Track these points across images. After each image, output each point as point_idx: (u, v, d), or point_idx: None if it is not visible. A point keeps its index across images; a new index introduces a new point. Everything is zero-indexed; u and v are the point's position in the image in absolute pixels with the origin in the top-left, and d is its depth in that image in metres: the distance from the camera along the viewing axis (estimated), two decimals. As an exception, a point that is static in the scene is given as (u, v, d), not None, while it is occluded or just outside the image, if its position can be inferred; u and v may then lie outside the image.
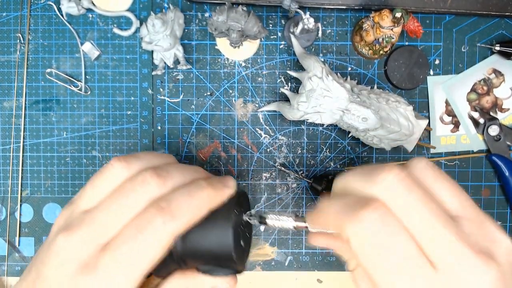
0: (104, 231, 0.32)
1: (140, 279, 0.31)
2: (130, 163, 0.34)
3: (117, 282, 0.31)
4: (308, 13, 0.44)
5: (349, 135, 0.47)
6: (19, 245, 0.50)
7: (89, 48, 0.48)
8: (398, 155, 0.49)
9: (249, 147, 0.49)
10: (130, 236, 0.31)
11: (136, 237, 0.31)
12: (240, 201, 0.36)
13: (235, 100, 0.49)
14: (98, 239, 0.32)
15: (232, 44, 0.46)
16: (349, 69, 0.49)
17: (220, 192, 0.34)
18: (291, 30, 0.47)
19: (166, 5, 0.48)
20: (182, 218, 0.31)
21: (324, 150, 0.49)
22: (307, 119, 0.45)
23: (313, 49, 0.49)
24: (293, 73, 0.46)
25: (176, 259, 0.34)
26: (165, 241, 0.31)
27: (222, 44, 0.48)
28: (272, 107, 0.48)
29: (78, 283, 0.31)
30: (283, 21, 0.48)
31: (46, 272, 0.32)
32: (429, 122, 0.49)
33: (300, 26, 0.45)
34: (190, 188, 0.33)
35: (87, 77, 0.49)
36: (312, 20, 0.44)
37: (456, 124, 0.49)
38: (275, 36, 0.49)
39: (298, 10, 0.44)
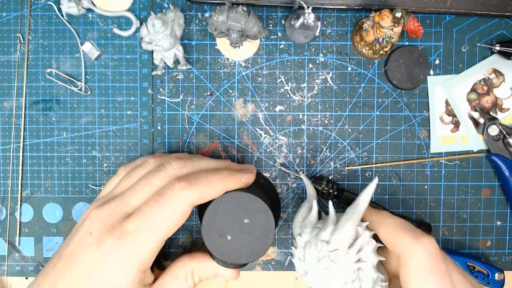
0: (131, 202, 0.36)
1: (160, 243, 0.35)
2: (162, 159, 0.39)
3: (139, 242, 0.34)
4: (310, 7, 0.43)
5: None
6: (19, 245, 0.50)
7: (89, 48, 0.48)
8: (398, 155, 0.49)
9: (249, 147, 0.49)
10: (152, 200, 0.35)
11: (157, 201, 0.35)
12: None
13: (235, 100, 0.49)
14: (125, 208, 0.36)
15: (232, 44, 0.46)
16: (349, 69, 0.49)
17: (236, 176, 0.38)
18: (292, 23, 0.47)
19: (166, 5, 0.48)
20: (198, 187, 0.35)
21: (324, 150, 0.49)
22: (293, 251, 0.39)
23: (313, 49, 0.49)
24: (331, 210, 0.38)
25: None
26: (183, 206, 0.35)
27: (222, 44, 0.48)
28: (309, 189, 0.43)
29: (104, 244, 0.34)
30: (283, 21, 0.48)
31: (71, 246, 0.35)
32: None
33: (300, 20, 0.45)
34: (208, 170, 0.38)
35: (87, 77, 0.49)
36: (312, 16, 0.44)
37: (456, 124, 0.49)
38: (275, 36, 0.49)
39: (303, 3, 0.44)
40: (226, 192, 0.38)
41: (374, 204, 0.47)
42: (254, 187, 0.42)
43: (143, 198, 0.36)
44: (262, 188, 0.47)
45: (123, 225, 0.34)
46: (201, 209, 0.44)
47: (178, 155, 0.42)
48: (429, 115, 0.49)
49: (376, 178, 0.39)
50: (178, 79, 0.49)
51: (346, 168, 0.49)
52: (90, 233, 0.35)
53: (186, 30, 0.48)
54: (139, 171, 0.39)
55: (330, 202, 0.38)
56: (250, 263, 0.50)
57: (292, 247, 0.40)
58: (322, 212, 0.42)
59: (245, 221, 0.37)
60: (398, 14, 0.41)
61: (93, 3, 0.47)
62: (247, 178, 0.39)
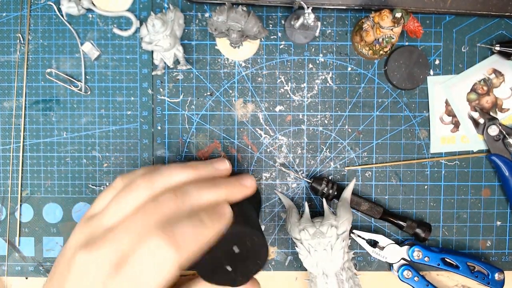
0: (121, 248, 0.33)
1: None
2: (153, 181, 0.36)
3: None
4: (310, 8, 0.43)
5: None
6: (19, 245, 0.50)
7: (89, 48, 0.48)
8: (398, 155, 0.49)
9: (249, 147, 0.49)
10: (135, 258, 0.32)
11: (140, 261, 0.32)
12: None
13: (235, 100, 0.49)
14: (115, 257, 0.33)
15: (232, 44, 0.46)
16: (349, 69, 0.49)
17: (220, 224, 0.35)
18: (292, 23, 0.47)
19: (166, 5, 0.48)
20: (185, 250, 0.32)
21: (324, 150, 0.49)
22: (299, 249, 0.45)
23: (313, 49, 0.49)
24: (326, 206, 0.46)
25: None
26: (169, 272, 0.32)
27: (222, 44, 0.48)
28: (285, 201, 0.49)
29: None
30: (283, 21, 0.48)
31: (67, 286, 0.33)
32: (429, 122, 0.49)
33: (300, 20, 0.45)
34: (195, 219, 0.34)
35: (87, 77, 0.49)
36: (312, 16, 0.44)
37: (456, 124, 0.49)
38: (275, 36, 0.49)
39: (303, 3, 0.43)
40: None
41: (358, 196, 0.48)
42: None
43: (132, 242, 0.34)
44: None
45: (113, 280, 0.32)
46: None
47: (173, 172, 0.38)
48: (429, 115, 0.49)
49: (354, 178, 0.49)
50: (178, 79, 0.49)
51: (346, 168, 0.49)
52: (82, 281, 0.33)
53: (186, 30, 0.48)
54: (129, 197, 0.36)
55: (324, 200, 0.46)
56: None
57: (296, 247, 0.45)
58: (303, 211, 0.47)
59: (235, 250, 0.36)
60: (398, 14, 0.41)
61: (93, 3, 0.47)
62: (229, 220, 0.36)
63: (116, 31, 0.48)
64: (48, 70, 0.49)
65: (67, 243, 0.37)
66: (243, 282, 0.37)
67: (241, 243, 0.36)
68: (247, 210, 0.40)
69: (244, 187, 0.39)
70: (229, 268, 0.36)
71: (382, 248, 0.48)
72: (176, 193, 0.36)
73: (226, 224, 0.36)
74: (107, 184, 0.49)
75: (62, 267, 0.35)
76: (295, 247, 0.46)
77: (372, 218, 0.50)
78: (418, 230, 0.48)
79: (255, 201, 0.48)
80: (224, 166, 0.40)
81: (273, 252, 0.50)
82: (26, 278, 0.50)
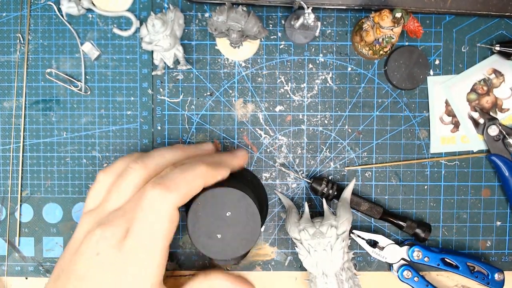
0: (130, 218, 0.36)
1: (163, 253, 0.35)
2: (146, 163, 0.39)
3: (144, 260, 0.35)
4: (310, 8, 0.43)
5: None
6: (19, 245, 0.50)
7: (89, 48, 0.48)
8: (398, 155, 0.49)
9: (249, 147, 0.49)
10: (140, 217, 0.35)
11: (142, 216, 0.35)
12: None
13: (235, 100, 0.49)
14: (126, 225, 0.36)
15: (232, 44, 0.46)
16: (349, 69, 0.49)
17: (214, 172, 0.38)
18: (292, 23, 0.47)
19: (166, 5, 0.48)
20: (178, 190, 0.35)
21: (324, 150, 0.49)
22: (298, 249, 0.45)
23: (313, 49, 0.49)
24: (325, 207, 0.46)
25: None
26: (169, 213, 0.35)
27: (222, 44, 0.48)
28: (285, 201, 0.49)
29: (114, 266, 0.35)
30: (283, 21, 0.48)
31: (80, 267, 0.36)
32: (429, 122, 0.49)
33: (300, 20, 0.45)
34: (184, 166, 0.38)
35: (87, 77, 0.49)
36: (312, 16, 0.44)
37: (456, 124, 0.49)
38: (275, 36, 0.49)
39: (303, 3, 0.43)
40: (202, 191, 0.38)
41: (358, 196, 0.48)
42: (230, 177, 0.42)
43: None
44: (240, 177, 0.47)
45: (125, 244, 0.35)
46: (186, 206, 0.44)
47: (163, 153, 0.41)
48: (429, 115, 0.49)
49: (354, 178, 0.49)
50: (178, 79, 0.49)
51: (346, 168, 0.49)
52: (97, 253, 0.35)
53: (186, 30, 0.48)
54: (127, 180, 0.38)
55: (324, 200, 0.46)
56: (250, 264, 0.50)
57: (296, 247, 0.45)
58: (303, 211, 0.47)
59: (227, 214, 0.37)
60: (398, 14, 0.41)
61: (93, 3, 0.47)
62: (223, 174, 0.39)
63: (116, 31, 0.48)
64: (48, 70, 0.49)
65: (73, 237, 0.38)
66: (229, 260, 0.38)
67: (234, 208, 0.37)
68: (246, 187, 0.42)
69: (235, 156, 0.43)
70: (219, 236, 0.37)
71: (382, 248, 0.48)
72: (175, 165, 0.39)
73: (220, 175, 0.38)
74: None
75: (71, 253, 0.37)
76: (295, 247, 0.46)
77: (372, 218, 0.50)
78: (418, 230, 0.48)
79: (260, 191, 0.48)
80: (208, 146, 0.44)
81: (273, 252, 0.50)
82: (26, 278, 0.50)
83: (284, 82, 0.49)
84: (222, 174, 0.39)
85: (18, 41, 0.48)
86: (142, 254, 0.35)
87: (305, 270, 0.49)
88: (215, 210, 0.37)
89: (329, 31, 0.49)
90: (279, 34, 0.49)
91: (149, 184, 0.36)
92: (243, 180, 0.47)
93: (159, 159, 0.40)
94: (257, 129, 0.49)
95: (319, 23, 0.46)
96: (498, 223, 0.50)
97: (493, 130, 0.48)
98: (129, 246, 0.35)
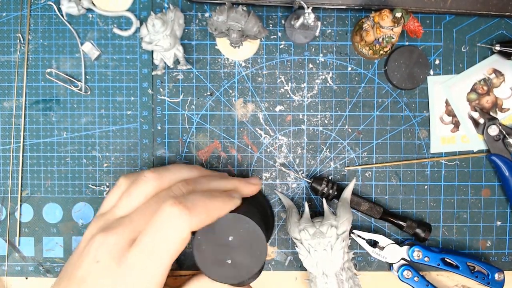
0: (136, 227, 0.36)
1: (165, 270, 0.35)
2: (162, 175, 0.39)
3: (145, 274, 0.34)
4: (310, 8, 0.43)
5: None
6: (19, 245, 0.50)
7: (89, 48, 0.48)
8: (398, 155, 0.49)
9: (249, 147, 0.49)
10: (153, 230, 0.35)
11: (156, 229, 0.34)
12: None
13: (235, 100, 0.49)
14: (130, 235, 0.35)
15: (232, 44, 0.46)
16: (349, 69, 0.49)
17: (231, 203, 0.38)
18: (292, 23, 0.47)
19: (166, 5, 0.48)
20: (197, 215, 0.35)
21: (324, 150, 0.49)
22: (298, 249, 0.45)
23: (313, 49, 0.49)
24: (325, 207, 0.46)
25: None
26: (182, 234, 0.34)
27: (222, 44, 0.48)
28: (285, 201, 0.49)
29: (113, 275, 0.34)
30: (283, 21, 0.48)
31: (80, 272, 0.35)
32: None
33: (300, 20, 0.45)
34: (206, 193, 0.37)
35: (87, 77, 0.49)
36: (312, 16, 0.44)
37: (456, 124, 0.49)
38: (275, 36, 0.49)
39: (303, 3, 0.43)
40: None
41: (358, 196, 0.48)
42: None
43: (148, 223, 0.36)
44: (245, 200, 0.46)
45: (128, 255, 0.34)
46: None
47: (180, 170, 0.41)
48: (429, 115, 0.49)
49: (354, 178, 0.49)
50: (178, 79, 0.49)
51: (346, 168, 0.49)
52: (97, 261, 0.35)
53: (186, 30, 0.48)
54: (139, 188, 0.38)
55: (324, 200, 0.46)
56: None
57: (296, 247, 0.45)
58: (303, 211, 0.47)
59: (229, 239, 0.37)
60: (398, 14, 0.41)
61: (93, 3, 0.47)
62: (237, 203, 0.39)
63: (116, 31, 0.48)
64: (48, 70, 0.49)
65: (82, 240, 0.39)
66: (246, 280, 0.37)
67: (234, 230, 0.37)
68: (250, 210, 0.41)
69: (249, 184, 0.42)
70: (229, 261, 0.36)
71: (382, 248, 0.48)
72: (187, 181, 0.39)
73: (235, 205, 0.38)
74: (107, 184, 0.49)
75: (76, 256, 0.37)
76: (295, 247, 0.46)
77: (372, 218, 0.50)
78: (418, 230, 0.48)
79: (259, 200, 0.48)
80: (224, 175, 0.44)
81: (273, 252, 0.50)
82: (26, 278, 0.50)
83: (284, 82, 0.49)
84: (236, 203, 0.38)
85: (18, 41, 0.48)
86: (144, 269, 0.34)
87: (305, 270, 0.49)
88: (217, 238, 0.37)
89: (329, 31, 0.49)
90: (279, 34, 0.49)
91: (170, 200, 0.35)
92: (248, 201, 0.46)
93: (175, 174, 0.40)
94: (257, 129, 0.49)
95: (319, 23, 0.46)
96: (498, 223, 0.50)
97: (493, 130, 0.48)
98: (132, 258, 0.34)
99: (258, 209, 0.44)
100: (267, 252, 0.38)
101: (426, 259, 0.48)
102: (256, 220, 0.38)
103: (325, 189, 0.47)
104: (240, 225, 0.37)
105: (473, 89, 0.49)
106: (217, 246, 0.37)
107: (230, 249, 0.37)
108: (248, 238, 0.37)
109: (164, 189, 0.38)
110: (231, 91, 0.49)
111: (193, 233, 0.37)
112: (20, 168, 0.49)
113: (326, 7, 0.47)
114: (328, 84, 0.49)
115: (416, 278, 0.48)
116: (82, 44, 0.48)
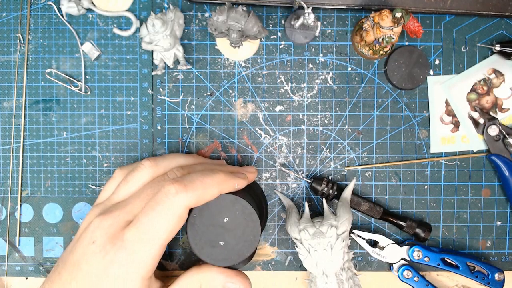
0: (132, 210, 0.37)
1: (161, 249, 0.35)
2: (158, 163, 0.40)
3: (140, 251, 0.35)
4: (310, 8, 0.43)
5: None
6: (19, 245, 0.50)
7: (89, 48, 0.48)
8: (398, 155, 0.49)
9: (249, 147, 0.49)
10: (149, 208, 0.35)
11: (154, 208, 0.35)
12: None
13: (235, 100, 0.49)
14: (126, 216, 0.36)
15: (232, 44, 0.46)
16: (349, 69, 0.49)
17: (231, 180, 0.38)
18: (292, 23, 0.47)
19: (166, 5, 0.48)
20: (194, 191, 0.35)
21: (324, 150, 0.49)
22: (298, 249, 0.45)
23: (313, 49, 0.49)
24: (325, 206, 0.46)
25: None
26: (179, 211, 0.35)
27: (222, 44, 0.48)
28: (285, 201, 0.49)
29: (107, 254, 0.35)
30: (283, 21, 0.48)
31: (76, 256, 0.36)
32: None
33: (300, 20, 0.45)
34: (204, 171, 0.38)
35: (87, 77, 0.49)
36: (312, 16, 0.44)
37: (456, 124, 0.49)
38: (275, 36, 0.49)
39: (303, 3, 0.43)
40: None
41: (358, 196, 0.48)
42: None
43: (143, 205, 0.37)
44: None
45: (124, 234, 0.35)
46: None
47: (176, 157, 0.42)
48: (429, 115, 0.49)
49: (354, 178, 0.49)
50: (178, 79, 0.49)
51: (346, 168, 0.49)
52: (93, 242, 0.35)
53: (186, 30, 0.48)
54: (136, 175, 0.39)
55: (324, 200, 0.46)
56: (250, 264, 0.50)
57: (296, 247, 0.45)
58: (304, 211, 0.47)
59: (225, 220, 0.37)
60: (398, 14, 0.41)
61: (93, 3, 0.47)
62: (240, 184, 0.39)
63: (116, 31, 0.48)
64: (48, 70, 0.49)
65: (80, 227, 0.40)
66: (237, 264, 0.38)
67: (230, 212, 0.38)
68: (246, 197, 0.41)
69: (245, 171, 0.43)
70: (221, 243, 0.37)
71: (382, 248, 0.48)
72: (182, 167, 0.40)
73: (231, 185, 0.39)
74: (107, 184, 0.49)
75: (73, 242, 0.38)
76: (295, 247, 0.46)
77: (372, 218, 0.50)
78: (418, 230, 0.48)
79: (255, 190, 0.48)
80: (220, 161, 0.46)
81: (273, 252, 0.50)
82: (26, 278, 0.50)
83: (284, 82, 0.49)
84: (239, 183, 0.39)
85: (18, 41, 0.48)
86: (139, 248, 0.34)
87: (305, 270, 0.49)
88: (212, 219, 0.37)
89: (329, 31, 0.49)
90: (279, 34, 0.49)
91: (168, 181, 0.36)
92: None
93: (170, 161, 0.41)
94: (257, 129, 0.49)
95: (319, 23, 0.46)
96: (498, 223, 0.50)
97: (493, 130, 0.48)
98: (128, 237, 0.35)
99: (254, 199, 0.44)
100: (260, 238, 0.38)
101: (426, 259, 0.48)
102: (252, 206, 0.38)
103: (325, 189, 0.47)
104: (236, 207, 0.38)
105: (473, 89, 0.49)
106: (211, 226, 0.37)
107: (224, 231, 0.37)
108: (243, 221, 0.37)
109: (160, 175, 0.39)
110: (231, 91, 0.49)
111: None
112: (20, 168, 0.49)
113: (326, 7, 0.47)
114: (328, 84, 0.49)
115: (416, 278, 0.48)
116: (82, 44, 0.48)
